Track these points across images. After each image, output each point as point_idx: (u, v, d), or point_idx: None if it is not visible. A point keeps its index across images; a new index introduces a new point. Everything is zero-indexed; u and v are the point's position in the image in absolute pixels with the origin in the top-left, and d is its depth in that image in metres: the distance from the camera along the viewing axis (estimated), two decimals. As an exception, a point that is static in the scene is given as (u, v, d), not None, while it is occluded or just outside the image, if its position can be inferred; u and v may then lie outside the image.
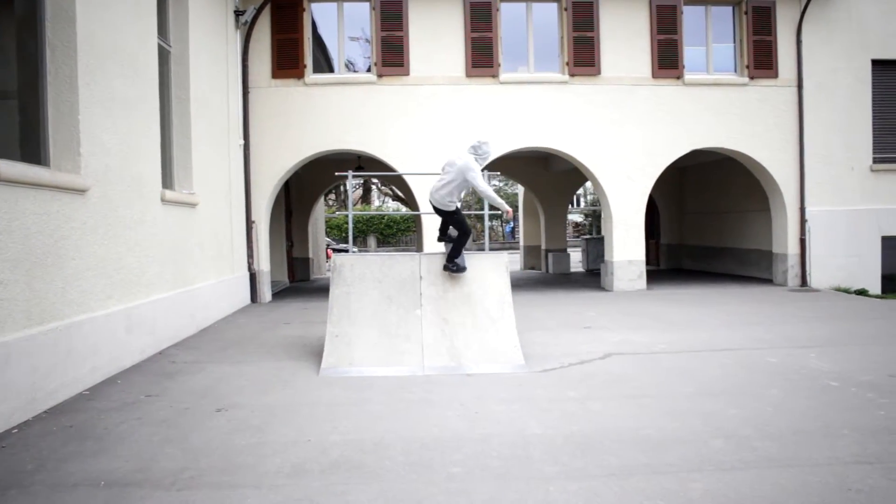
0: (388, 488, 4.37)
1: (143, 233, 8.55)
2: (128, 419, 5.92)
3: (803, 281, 15.86)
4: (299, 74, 14.69)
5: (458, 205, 8.43)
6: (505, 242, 45.75)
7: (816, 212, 15.86)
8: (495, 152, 7.74)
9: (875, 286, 15.89)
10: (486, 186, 8.12)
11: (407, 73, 14.93)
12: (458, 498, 4.21)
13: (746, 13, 15.74)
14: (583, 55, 15.32)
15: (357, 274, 8.36)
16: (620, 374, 7.53)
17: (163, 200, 9.22)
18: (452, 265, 8.31)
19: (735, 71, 16.02)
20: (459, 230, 8.39)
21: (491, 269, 8.56)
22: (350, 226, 9.73)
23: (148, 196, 8.74)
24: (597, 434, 5.46)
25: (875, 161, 16.07)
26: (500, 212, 9.25)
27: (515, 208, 29.89)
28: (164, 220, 9.28)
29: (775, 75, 15.78)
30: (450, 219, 8.44)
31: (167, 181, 10.01)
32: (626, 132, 15.44)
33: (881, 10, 16.03)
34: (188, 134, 10.61)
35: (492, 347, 7.99)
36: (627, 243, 15.64)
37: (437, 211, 8.39)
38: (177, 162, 10.46)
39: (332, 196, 42.43)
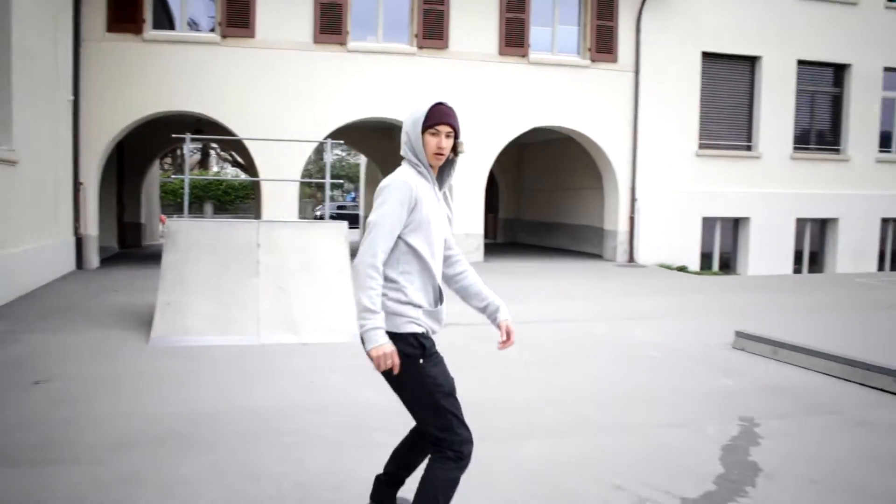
0: (220, 459, 4.26)
1: (-46, 190, 7.89)
2: (-68, 392, 5.48)
3: (631, 257, 16.70)
4: (138, 30, 13.90)
5: (422, 325, 3.02)
6: (348, 212, 45.47)
7: (646, 192, 16.71)
8: (416, 119, 2.79)
9: (694, 263, 16.97)
10: (375, 248, 2.94)
11: (253, 36, 14.46)
12: (292, 467, 4.16)
13: (589, -3, 16.27)
14: (432, 28, 15.36)
15: (192, 240, 8.07)
16: (457, 344, 7.64)
17: (-23, 156, 8.53)
18: None
19: (578, 53, 16.54)
20: (430, 423, 3.06)
21: (330, 237, 8.48)
22: (186, 191, 9.33)
23: (-41, 151, 8.06)
24: (432, 403, 5.53)
25: (700, 147, 17.10)
26: (341, 181, 8.35)
27: (357, 179, 29.63)
28: (-21, 177, 8.60)
29: (615, 60, 16.42)
30: (398, 384, 3.06)
31: (-18, 136, 9.26)
32: (471, 107, 15.63)
33: (713, 6, 17.02)
34: (7, 86, 9.81)
35: (328, 317, 7.93)
36: (467, 216, 15.89)
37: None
38: (-6, 116, 9.69)
39: (168, 160, 40.70)
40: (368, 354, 2.88)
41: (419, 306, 2.98)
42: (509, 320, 3.36)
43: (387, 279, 2.95)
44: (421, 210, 2.95)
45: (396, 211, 2.91)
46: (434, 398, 2.99)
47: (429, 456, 3.12)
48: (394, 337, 2.91)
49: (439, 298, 3.10)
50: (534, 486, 4.01)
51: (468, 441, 3.04)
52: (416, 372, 2.97)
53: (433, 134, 3.02)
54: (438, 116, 3.03)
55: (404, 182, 2.94)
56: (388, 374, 2.97)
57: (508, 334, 3.34)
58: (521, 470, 4.24)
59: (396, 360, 2.88)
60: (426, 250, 2.99)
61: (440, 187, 3.16)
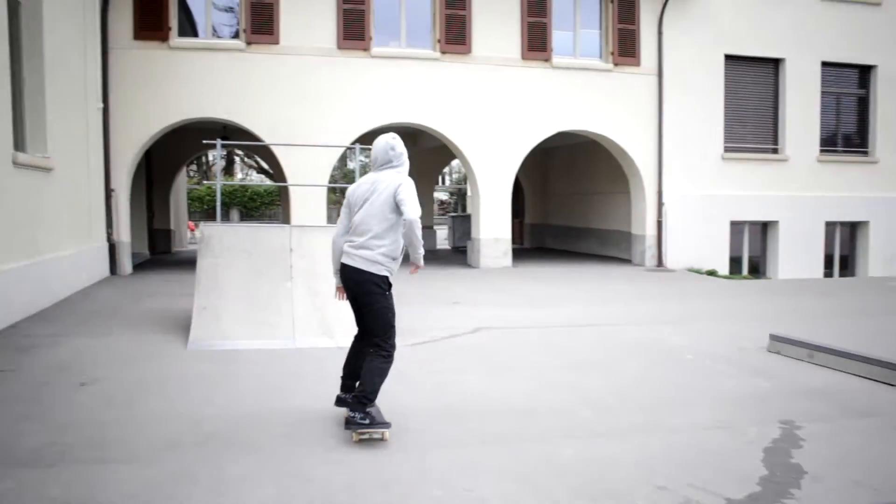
0: (266, 459, 4.32)
1: (-6, 198, 8.02)
2: (-20, 394, 5.58)
3: (659, 261, 16.65)
4: (164, 37, 14.05)
5: (391, 273, 4.84)
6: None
7: (673, 196, 16.66)
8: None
9: (723, 267, 16.88)
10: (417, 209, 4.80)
11: (277, 42, 14.57)
12: (338, 467, 4.22)
13: (612, 1, 16.27)
14: (455, 33, 15.42)
15: (226, 245, 8.14)
16: (491, 348, 7.71)
17: (14, 163, 8.65)
18: (361, 415, 4.66)
19: (601, 57, 16.54)
20: (379, 334, 4.77)
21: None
22: (218, 196, 9.39)
23: (-2, 158, 8.20)
24: (470, 405, 5.58)
25: (726, 150, 17.02)
26: None
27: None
28: (16, 184, 8.72)
29: (638, 63, 16.41)
30: (367, 306, 4.83)
31: (19, 143, 9.38)
32: (494, 112, 15.69)
33: (735, 9, 16.94)
34: (42, 94, 9.96)
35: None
36: (494, 221, 15.94)
37: (348, 289, 4.92)
38: (29, 123, 9.81)
39: (194, 167, 41.05)
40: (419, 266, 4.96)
41: (394, 259, 4.84)
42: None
43: (383, 246, 4.76)
44: None
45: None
46: (386, 315, 4.76)
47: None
48: (374, 276, 4.72)
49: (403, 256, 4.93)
50: (579, 486, 4.04)
51: (394, 347, 4.79)
52: (382, 298, 4.74)
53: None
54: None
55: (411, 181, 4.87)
56: (364, 300, 4.80)
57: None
58: (565, 470, 4.27)
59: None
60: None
61: None
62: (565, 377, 6.52)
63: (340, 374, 5.15)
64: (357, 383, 4.86)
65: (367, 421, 4.62)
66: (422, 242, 4.77)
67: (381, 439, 4.68)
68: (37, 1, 9.87)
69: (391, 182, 4.77)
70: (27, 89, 9.78)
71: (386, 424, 4.69)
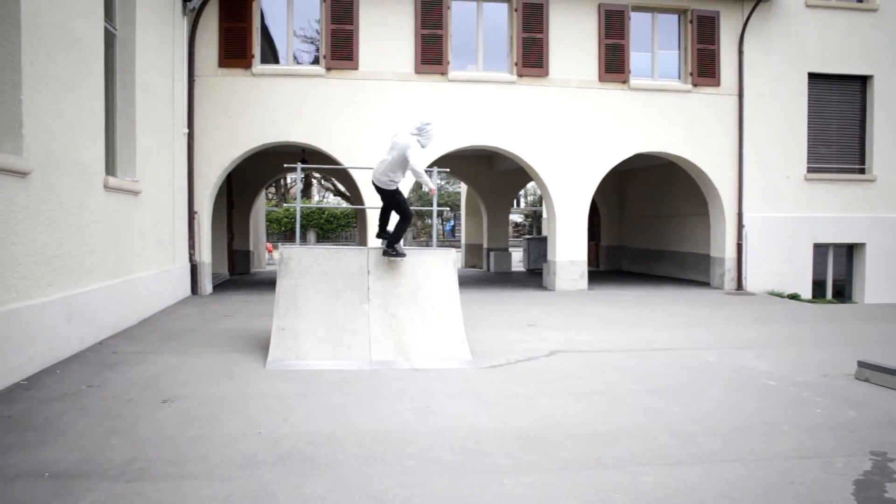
0: (342, 480, 4.35)
1: (85, 219, 8.32)
2: (69, 410, 5.77)
3: (739, 284, 16.25)
4: (247, 64, 14.46)
5: (399, 185, 8.62)
6: (444, 241, 45.69)
7: (753, 218, 16.27)
8: (437, 133, 8.10)
9: (806, 291, 16.37)
10: (419, 164, 8.14)
11: (356, 68, 14.83)
12: (413, 490, 4.21)
13: (691, 22, 16.06)
14: (531, 56, 15.43)
15: (304, 266, 8.28)
16: (566, 372, 7.61)
17: (106, 187, 8.99)
18: (392, 250, 8.40)
19: (679, 78, 16.33)
20: (400, 213, 8.61)
21: (439, 264, 8.58)
22: (297, 218, 9.57)
23: (91, 182, 8.51)
24: (547, 429, 5.51)
25: (809, 170, 16.56)
26: (447, 208, 10.67)
27: (458, 207, 29.96)
28: (107, 207, 9.05)
29: (717, 84, 16.14)
30: (390, 200, 8.61)
31: (110, 167, 9.75)
32: (571, 134, 15.61)
33: (818, 26, 16.54)
34: (132, 120, 10.35)
35: (439, 343, 8.00)
36: (570, 243, 15.82)
37: (379, 191, 8.55)
38: (120, 148, 10.20)
39: (272, 189, 41.94)
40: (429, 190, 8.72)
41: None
42: None
43: (396, 181, 8.53)
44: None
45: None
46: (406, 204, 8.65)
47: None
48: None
49: None
50: (658, 515, 3.94)
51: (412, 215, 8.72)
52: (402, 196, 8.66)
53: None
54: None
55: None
56: (391, 195, 8.55)
57: None
58: (643, 498, 4.17)
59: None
60: None
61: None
62: (643, 402, 6.39)
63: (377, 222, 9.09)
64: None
65: (394, 252, 8.37)
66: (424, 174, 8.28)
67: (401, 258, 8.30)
68: (130, 31, 10.30)
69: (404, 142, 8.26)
70: (119, 116, 10.17)
71: (403, 255, 8.43)
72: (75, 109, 8.03)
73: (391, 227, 8.76)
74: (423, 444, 5.07)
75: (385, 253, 8.43)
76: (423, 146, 8.32)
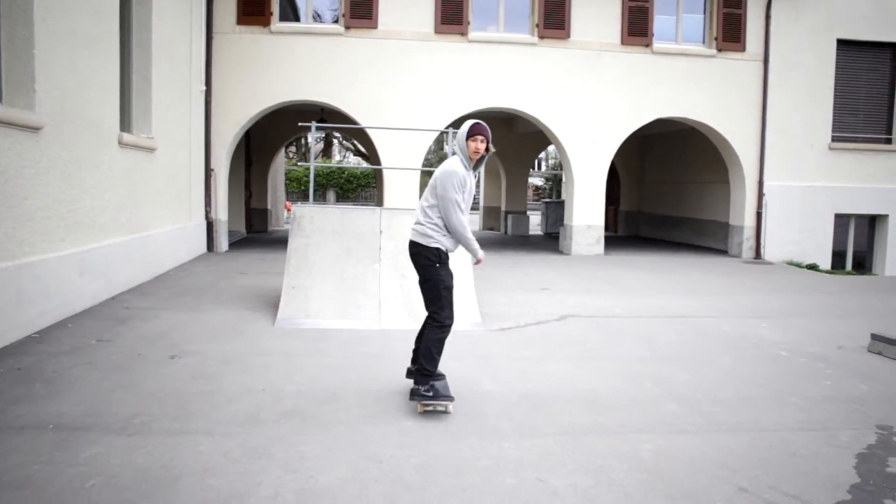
0: (341, 438, 4.37)
1: (99, 175, 8.34)
2: (78, 363, 5.82)
3: (757, 253, 16.10)
4: (265, 22, 14.35)
5: (444, 247, 5.03)
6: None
7: (774, 186, 16.06)
8: (463, 132, 5.03)
9: (826, 262, 16.20)
10: (458, 216, 4.97)
11: (375, 27, 14.68)
12: (410, 451, 4.22)
13: (717, -16, 15.73)
14: (553, 18, 15.20)
15: (317, 225, 8.27)
16: (576, 336, 7.59)
17: (120, 143, 9.00)
18: (426, 387, 4.93)
19: (703, 42, 16.03)
20: (430, 305, 5.08)
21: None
22: (311, 178, 9.56)
23: (105, 138, 8.52)
24: (551, 393, 5.51)
25: (833, 139, 16.28)
26: None
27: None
28: (122, 163, 9.07)
29: (742, 49, 15.84)
30: (420, 277, 5.13)
31: (125, 124, 9.75)
32: (592, 98, 15.42)
33: (849, -9, 16.14)
34: (148, 77, 10.32)
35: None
36: (587, 208, 15.70)
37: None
38: (136, 105, 10.19)
39: (293, 148, 41.90)
40: (478, 259, 5.18)
41: (444, 235, 4.99)
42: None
43: (432, 221, 4.99)
44: (464, 188, 4.97)
45: (458, 188, 4.94)
46: (438, 287, 4.98)
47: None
48: (426, 248, 4.98)
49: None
50: (656, 482, 3.93)
51: (450, 317, 5.04)
52: (434, 270, 4.98)
53: (472, 141, 4.98)
54: (476, 131, 4.98)
55: (459, 170, 4.97)
56: (420, 271, 5.06)
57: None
58: (642, 465, 4.16)
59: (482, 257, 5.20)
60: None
61: (474, 171, 5.10)
62: (652, 369, 6.36)
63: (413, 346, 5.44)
64: None
65: (430, 393, 4.88)
66: (464, 233, 4.99)
67: (445, 412, 4.89)
68: (146, -13, 10.23)
69: (440, 168, 5.08)
70: (135, 73, 10.14)
71: (449, 398, 4.91)
72: (90, 66, 8.01)
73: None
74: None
75: (412, 395, 5.03)
76: (470, 167, 5.09)
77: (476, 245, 5.06)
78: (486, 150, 4.99)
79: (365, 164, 35.04)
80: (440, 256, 4.98)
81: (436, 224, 4.98)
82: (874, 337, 7.38)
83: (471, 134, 4.95)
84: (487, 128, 5.01)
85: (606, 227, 16.67)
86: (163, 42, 10.79)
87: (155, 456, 4.02)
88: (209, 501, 3.51)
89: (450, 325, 5.02)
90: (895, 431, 4.87)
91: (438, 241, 4.96)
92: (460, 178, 4.92)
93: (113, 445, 4.15)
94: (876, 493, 3.86)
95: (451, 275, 5.07)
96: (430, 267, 4.98)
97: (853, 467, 4.22)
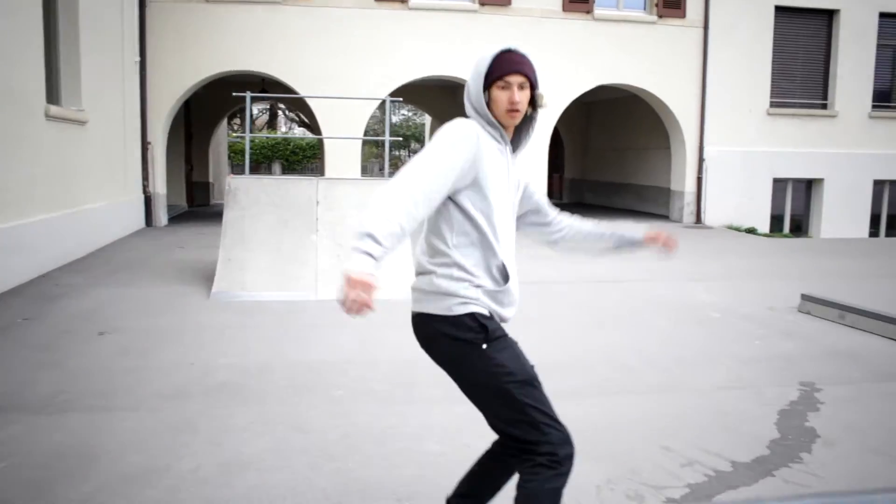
0: (269, 410, 4.34)
1: (26, 150, 8.10)
2: (1, 345, 5.68)
3: (698, 218, 16.35)
4: (200, -11, 14.03)
5: (481, 305, 2.45)
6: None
7: (714, 151, 16.28)
8: (481, 70, 2.46)
9: (764, 225, 16.51)
10: (409, 185, 2.30)
11: (312, -6, 14.45)
12: (337, 420, 4.21)
13: (657, -50, 15.77)
14: (494, -16, 15.10)
15: (252, 197, 8.14)
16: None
17: (47, 116, 8.73)
18: None
19: (644, 9, 16.08)
20: (512, 426, 2.48)
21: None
22: (247, 149, 9.40)
23: (30, 111, 8.26)
24: (484, 361, 5.51)
25: (772, 105, 16.52)
26: (400, 138, 7.89)
27: (422, 139, 29.59)
28: (50, 137, 8.81)
29: (683, 15, 15.93)
30: (458, 382, 2.53)
31: (53, 96, 9.45)
32: (535, 64, 15.35)
33: (788, -43, 16.32)
34: (76, 47, 10.01)
35: (386, 274, 7.93)
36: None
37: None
38: (64, 77, 9.88)
39: (237, 120, 41.22)
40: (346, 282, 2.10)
41: (479, 285, 2.40)
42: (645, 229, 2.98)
43: (436, 252, 2.45)
44: (482, 168, 2.36)
45: (448, 153, 2.33)
46: (504, 388, 2.39)
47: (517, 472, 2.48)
48: (445, 321, 2.40)
49: (504, 276, 2.45)
50: (579, 444, 3.95)
51: (564, 441, 2.42)
52: (479, 360, 2.39)
53: (502, 87, 2.43)
54: (507, 66, 2.44)
55: (465, 125, 2.40)
56: (451, 371, 2.48)
57: (658, 238, 2.96)
58: (569, 428, 4.19)
59: (370, 301, 2.11)
60: (485, 218, 2.39)
61: (514, 150, 2.54)
62: (587, 334, 6.43)
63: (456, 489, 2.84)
64: None
65: None
66: (377, 219, 2.21)
67: None
68: (71, -47, 9.88)
69: None
70: (62, 42, 9.82)
71: None
72: (10, 34, 7.73)
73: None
74: (356, 374, 5.06)
75: None
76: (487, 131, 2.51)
77: (385, 242, 2.23)
78: (532, 103, 2.57)
79: (310, 135, 34.62)
80: (481, 324, 2.42)
81: (453, 262, 2.42)
82: (804, 297, 7.55)
83: (498, 72, 2.46)
84: (530, 60, 2.58)
85: (550, 195, 16.78)
86: (91, 11, 10.46)
87: (76, 434, 3.94)
88: (129, 477, 3.45)
89: (570, 456, 2.47)
90: (817, 387, 4.99)
91: (465, 296, 2.41)
92: (471, 137, 2.39)
93: (33, 425, 4.06)
94: (794, 447, 3.96)
95: (517, 355, 2.56)
96: (468, 357, 2.43)
97: (774, 424, 4.32)
